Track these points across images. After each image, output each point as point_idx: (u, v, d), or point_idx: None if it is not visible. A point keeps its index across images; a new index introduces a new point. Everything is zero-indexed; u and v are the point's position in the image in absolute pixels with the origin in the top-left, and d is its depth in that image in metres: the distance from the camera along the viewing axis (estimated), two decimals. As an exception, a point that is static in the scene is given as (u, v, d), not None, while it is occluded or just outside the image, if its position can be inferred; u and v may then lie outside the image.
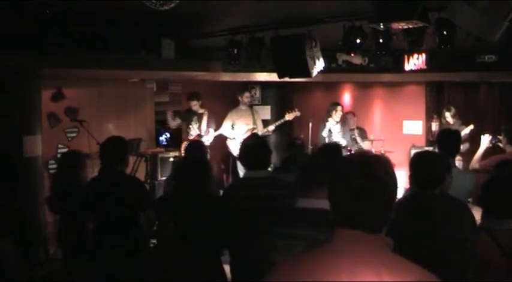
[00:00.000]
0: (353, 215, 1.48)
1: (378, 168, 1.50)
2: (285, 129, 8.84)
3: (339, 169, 1.58)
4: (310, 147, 7.87)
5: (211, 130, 7.87)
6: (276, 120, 8.36)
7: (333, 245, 1.49)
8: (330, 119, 7.95)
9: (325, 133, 7.90)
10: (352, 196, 1.48)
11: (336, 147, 5.16)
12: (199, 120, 7.84)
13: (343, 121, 8.25)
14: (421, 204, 2.88)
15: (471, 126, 7.50)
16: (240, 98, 8.19)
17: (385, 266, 1.40)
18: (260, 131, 8.01)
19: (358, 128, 8.46)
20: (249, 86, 9.34)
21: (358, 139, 8.24)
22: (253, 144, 3.65)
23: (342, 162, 1.64)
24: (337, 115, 8.02)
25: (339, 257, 1.44)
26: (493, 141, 5.26)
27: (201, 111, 7.86)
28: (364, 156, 1.56)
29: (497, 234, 2.50)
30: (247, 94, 8.27)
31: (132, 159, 7.62)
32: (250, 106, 8.34)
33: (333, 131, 8.02)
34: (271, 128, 8.06)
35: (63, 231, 4.54)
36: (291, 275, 1.47)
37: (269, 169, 3.77)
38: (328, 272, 1.42)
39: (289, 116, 8.04)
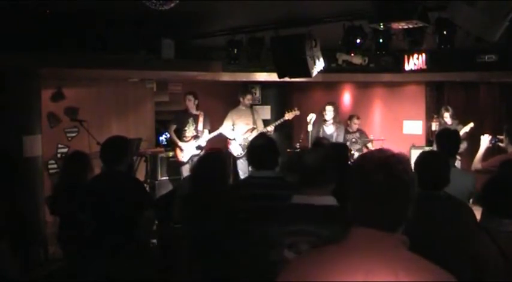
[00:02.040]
0: (370, 214, 1.48)
1: (396, 167, 1.49)
2: (284, 129, 8.84)
3: (358, 167, 1.57)
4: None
5: (206, 131, 7.86)
6: (276, 120, 8.35)
7: (349, 243, 1.49)
8: (310, 114, 7.89)
9: (309, 127, 7.86)
10: (369, 194, 1.48)
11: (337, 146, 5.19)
12: (196, 122, 7.81)
13: (339, 123, 8.13)
14: (422, 204, 2.87)
15: (471, 124, 7.48)
16: (241, 99, 8.16)
17: (402, 265, 1.40)
18: (260, 130, 7.99)
19: (359, 130, 8.42)
20: (249, 86, 9.34)
21: (359, 142, 8.20)
22: (261, 145, 3.64)
23: (360, 160, 1.61)
24: (327, 114, 7.95)
25: (355, 255, 1.44)
26: (493, 141, 5.25)
27: (196, 112, 7.83)
28: (383, 155, 1.53)
29: (497, 236, 2.50)
30: (249, 97, 8.24)
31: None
32: (251, 106, 8.33)
33: (327, 131, 7.97)
34: (271, 127, 8.04)
35: (63, 231, 4.53)
36: (306, 273, 1.47)
37: (276, 170, 3.74)
38: (344, 270, 1.42)
39: (288, 115, 8.02)
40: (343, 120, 8.53)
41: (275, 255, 2.53)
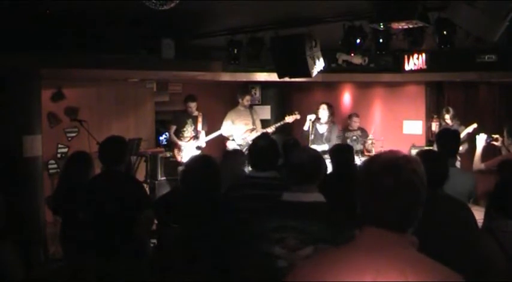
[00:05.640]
0: (379, 215, 1.48)
1: (405, 168, 1.49)
2: (284, 130, 8.84)
3: (367, 168, 1.57)
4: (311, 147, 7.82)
5: (203, 132, 7.87)
6: (276, 120, 8.34)
7: (358, 243, 1.49)
8: (311, 114, 7.90)
9: (306, 127, 7.86)
10: (379, 196, 1.48)
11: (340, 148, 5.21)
12: (195, 123, 7.82)
13: (333, 123, 8.10)
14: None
15: (474, 125, 7.46)
16: (240, 100, 8.17)
17: (410, 266, 1.40)
18: (259, 131, 7.99)
19: (359, 128, 8.42)
20: (249, 86, 9.33)
21: (359, 141, 8.18)
22: (262, 146, 3.63)
23: (369, 162, 1.61)
24: (321, 113, 7.91)
25: (364, 255, 1.44)
26: (488, 140, 5.29)
27: (195, 113, 7.85)
28: (393, 156, 1.53)
29: (501, 236, 2.49)
30: (248, 97, 8.24)
31: (132, 159, 7.64)
32: (250, 106, 8.33)
33: (319, 130, 7.97)
34: (271, 129, 8.04)
35: (65, 231, 4.53)
36: (315, 273, 1.48)
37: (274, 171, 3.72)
38: (352, 270, 1.42)
39: (289, 119, 8.02)
40: (343, 120, 8.52)
41: (265, 249, 2.55)
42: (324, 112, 7.91)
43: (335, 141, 7.82)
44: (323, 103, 8.05)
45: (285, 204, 2.64)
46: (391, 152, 1.58)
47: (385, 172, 1.48)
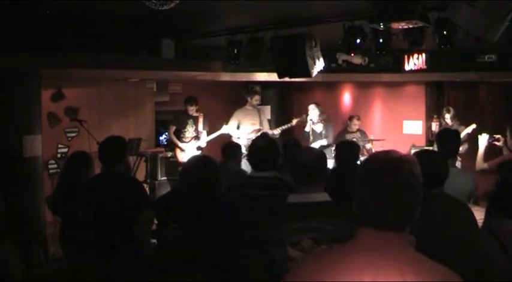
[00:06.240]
0: (377, 215, 1.48)
1: (403, 168, 1.49)
2: (285, 130, 8.85)
3: (364, 168, 1.57)
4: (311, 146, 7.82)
5: (204, 132, 7.88)
6: (276, 120, 8.34)
7: (356, 243, 1.50)
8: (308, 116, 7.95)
9: (307, 128, 7.88)
10: (376, 196, 1.48)
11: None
12: (196, 123, 7.83)
13: (326, 121, 8.12)
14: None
15: (473, 126, 7.46)
16: (249, 99, 8.19)
17: (408, 265, 1.41)
18: (266, 131, 7.99)
19: (359, 130, 8.42)
20: (250, 86, 9.34)
21: (359, 142, 8.18)
22: (262, 145, 3.63)
23: (367, 162, 1.60)
24: (310, 114, 7.92)
25: (362, 255, 1.45)
26: (490, 140, 5.30)
27: (196, 114, 7.86)
28: (390, 156, 1.54)
29: (502, 236, 2.49)
30: (257, 97, 8.28)
31: (132, 159, 7.64)
32: (256, 106, 8.34)
33: (316, 130, 7.99)
34: (277, 131, 8.06)
35: (64, 231, 4.53)
36: (313, 273, 1.48)
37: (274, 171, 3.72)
38: (350, 270, 1.42)
39: (296, 121, 8.05)
40: (343, 121, 8.50)
41: (279, 254, 2.54)
42: (314, 112, 7.92)
43: (331, 137, 7.91)
44: (312, 103, 8.08)
45: (297, 205, 2.63)
46: (387, 152, 1.58)
47: (384, 172, 1.49)
